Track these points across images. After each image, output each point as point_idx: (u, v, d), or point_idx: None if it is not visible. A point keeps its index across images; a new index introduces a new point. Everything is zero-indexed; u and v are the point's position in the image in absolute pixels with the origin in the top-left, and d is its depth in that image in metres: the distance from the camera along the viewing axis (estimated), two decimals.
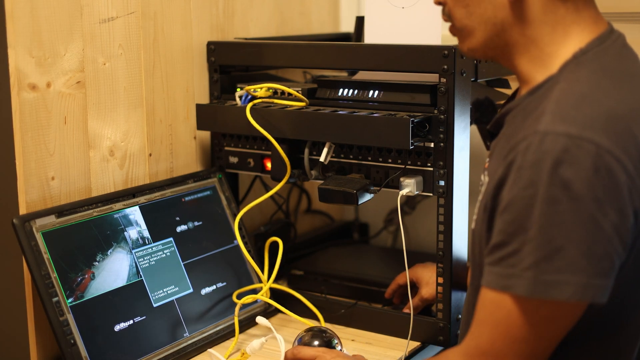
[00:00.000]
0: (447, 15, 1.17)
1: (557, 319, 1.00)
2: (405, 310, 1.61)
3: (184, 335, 1.52)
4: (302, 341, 1.42)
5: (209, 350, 1.48)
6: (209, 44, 1.76)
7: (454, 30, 1.17)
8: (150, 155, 1.66)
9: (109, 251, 1.46)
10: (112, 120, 1.56)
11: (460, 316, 1.54)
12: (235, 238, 1.67)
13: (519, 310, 1.00)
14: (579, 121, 0.99)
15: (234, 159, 1.74)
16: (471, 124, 1.50)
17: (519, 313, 1.00)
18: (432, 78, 1.51)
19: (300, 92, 1.62)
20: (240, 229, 1.68)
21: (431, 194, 1.51)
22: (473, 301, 1.23)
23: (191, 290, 1.55)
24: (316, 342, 1.41)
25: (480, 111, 1.24)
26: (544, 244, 0.97)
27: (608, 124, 0.99)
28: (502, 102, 1.61)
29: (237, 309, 1.57)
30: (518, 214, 1.00)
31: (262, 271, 1.65)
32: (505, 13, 1.10)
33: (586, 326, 1.06)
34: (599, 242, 0.97)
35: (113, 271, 1.45)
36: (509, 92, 1.67)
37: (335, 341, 1.42)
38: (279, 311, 1.63)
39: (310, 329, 1.45)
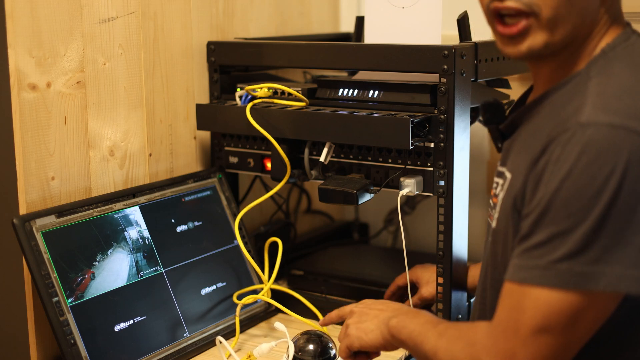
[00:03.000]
0: (528, 5, 1.04)
1: (590, 311, 0.98)
2: None
3: (184, 335, 1.52)
4: (297, 344, 1.40)
5: (218, 337, 1.48)
6: (209, 44, 1.76)
7: (529, 24, 1.05)
8: (150, 155, 1.66)
9: (109, 251, 1.46)
10: (112, 120, 1.56)
11: (460, 316, 1.54)
12: (235, 238, 1.67)
13: (547, 301, 0.98)
14: (622, 111, 0.98)
15: (234, 159, 1.74)
16: (476, 125, 1.50)
17: (547, 304, 0.98)
18: (432, 78, 1.51)
19: (300, 92, 1.62)
20: (240, 229, 1.68)
21: (431, 194, 1.51)
22: (483, 301, 1.22)
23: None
24: (311, 347, 1.40)
25: (490, 112, 1.22)
26: (581, 235, 0.96)
27: None
28: (505, 102, 1.62)
29: (238, 309, 1.57)
30: (551, 205, 0.98)
31: (262, 271, 1.65)
32: (597, 2, 1.06)
33: (622, 324, 1.04)
34: (637, 233, 0.96)
35: (113, 271, 1.45)
36: (509, 92, 1.67)
37: (331, 345, 1.41)
38: (279, 311, 1.64)
39: (306, 332, 1.43)
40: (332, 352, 1.40)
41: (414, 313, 1.23)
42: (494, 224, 1.17)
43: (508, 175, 1.13)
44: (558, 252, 0.97)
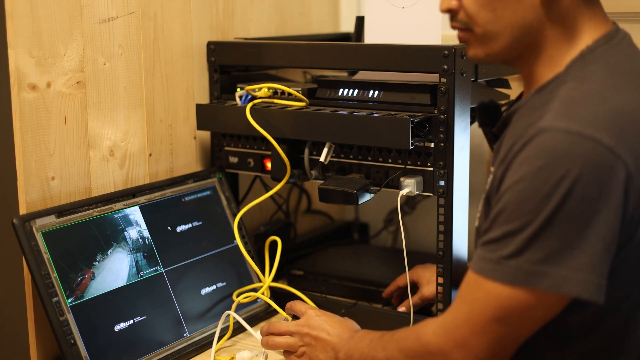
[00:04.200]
0: (463, 23, 1.12)
1: (534, 308, 1.01)
2: (401, 309, 1.61)
3: (184, 335, 1.52)
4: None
5: (249, 331, 1.50)
6: (209, 44, 1.76)
7: (468, 37, 1.13)
8: (150, 155, 1.66)
9: (109, 251, 1.46)
10: (112, 120, 1.56)
11: None
12: (235, 238, 1.67)
13: (497, 294, 1.02)
14: (582, 118, 0.99)
15: (234, 159, 1.74)
16: (476, 125, 1.50)
17: (496, 297, 1.02)
18: (432, 78, 1.51)
19: (300, 92, 1.62)
20: (240, 229, 1.68)
21: (431, 194, 1.51)
22: None
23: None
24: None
25: (485, 114, 1.24)
26: (528, 236, 0.99)
27: (612, 120, 1.00)
28: (505, 102, 1.62)
29: (234, 306, 1.56)
30: (507, 204, 1.01)
31: (262, 271, 1.65)
32: (534, 14, 1.08)
33: (586, 326, 1.06)
34: (584, 238, 0.98)
35: (113, 271, 1.45)
36: (509, 92, 1.67)
37: None
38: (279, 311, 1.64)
39: (294, 317, 1.47)
40: None
41: (358, 337, 1.29)
42: (476, 223, 1.20)
43: (490, 177, 1.15)
44: (508, 249, 1.01)
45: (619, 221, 0.99)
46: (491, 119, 1.23)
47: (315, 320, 1.39)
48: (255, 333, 1.49)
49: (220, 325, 1.52)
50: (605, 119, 0.99)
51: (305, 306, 1.44)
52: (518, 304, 1.01)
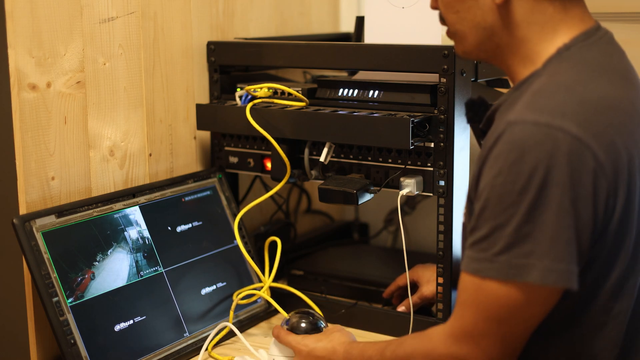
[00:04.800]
0: (442, 20, 1.20)
1: (531, 302, 1.02)
2: (400, 309, 1.61)
3: (184, 335, 1.52)
4: (289, 323, 1.45)
5: (245, 344, 1.49)
6: (209, 44, 1.76)
7: (449, 34, 1.20)
8: (150, 155, 1.66)
9: (109, 251, 1.46)
10: (112, 120, 1.56)
11: None
12: (235, 238, 1.67)
13: (496, 293, 1.02)
14: (550, 109, 1.01)
15: (234, 159, 1.74)
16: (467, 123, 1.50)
17: (496, 295, 1.02)
18: (432, 78, 1.51)
19: (300, 92, 1.62)
20: (240, 229, 1.68)
21: (431, 194, 1.51)
22: None
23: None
24: (303, 325, 1.44)
25: (473, 111, 1.26)
26: (513, 230, 1.00)
27: (580, 111, 1.01)
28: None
29: (233, 305, 1.56)
30: (489, 201, 1.02)
31: (262, 271, 1.65)
32: (494, 17, 1.12)
33: (568, 317, 1.08)
34: (564, 228, 0.99)
35: (113, 271, 1.45)
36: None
37: (322, 324, 1.45)
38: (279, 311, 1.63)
39: (298, 311, 1.47)
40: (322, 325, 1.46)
41: (360, 348, 1.27)
42: (463, 218, 1.21)
43: None
44: (498, 245, 1.02)
45: (592, 210, 1.01)
46: (479, 116, 1.25)
47: (314, 346, 1.38)
48: (250, 346, 1.49)
49: (214, 332, 1.52)
50: (572, 109, 1.01)
51: (290, 339, 1.42)
52: (516, 299, 1.01)
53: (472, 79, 1.51)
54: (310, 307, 1.61)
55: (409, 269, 1.55)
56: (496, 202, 1.02)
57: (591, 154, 1.00)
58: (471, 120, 1.28)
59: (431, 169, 1.50)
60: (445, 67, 1.45)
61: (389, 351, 1.19)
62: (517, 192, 1.00)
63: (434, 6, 1.20)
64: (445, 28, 1.22)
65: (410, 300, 1.54)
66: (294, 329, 1.44)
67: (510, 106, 1.09)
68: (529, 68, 1.12)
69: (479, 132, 1.25)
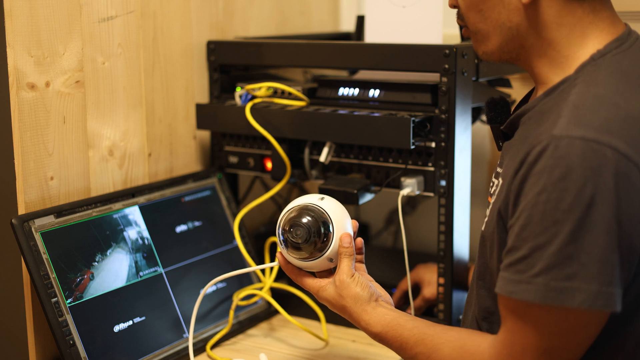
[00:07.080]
0: (461, 19, 1.16)
1: (578, 327, 0.98)
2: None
3: (184, 335, 1.51)
4: (290, 217, 1.25)
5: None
6: (209, 43, 1.75)
7: (468, 33, 1.16)
8: (149, 155, 1.65)
9: (109, 251, 1.45)
10: (112, 119, 1.56)
11: (461, 317, 1.53)
12: (235, 238, 1.66)
13: (537, 318, 0.99)
14: (596, 125, 0.97)
15: (234, 159, 1.73)
16: (477, 125, 1.50)
17: (543, 321, 0.98)
18: (433, 77, 1.51)
19: (300, 91, 1.61)
20: (240, 229, 1.67)
21: (432, 194, 1.50)
22: (473, 300, 1.22)
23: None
24: (305, 220, 1.24)
25: (494, 111, 1.22)
26: (556, 250, 0.96)
27: (625, 127, 0.98)
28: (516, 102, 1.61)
29: (233, 306, 1.56)
30: (530, 219, 0.98)
31: (263, 272, 1.65)
32: (520, 17, 1.08)
33: (607, 337, 1.04)
34: (611, 249, 0.95)
35: (112, 271, 1.44)
36: (510, 91, 1.66)
37: (330, 226, 1.26)
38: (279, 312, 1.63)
39: (299, 207, 1.27)
40: (331, 228, 1.26)
41: (399, 321, 1.19)
42: (482, 227, 1.17)
43: (500, 181, 1.13)
44: (537, 267, 0.97)
45: (637, 231, 0.97)
46: (500, 116, 1.21)
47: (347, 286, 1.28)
48: None
49: (210, 331, 1.51)
50: (618, 125, 0.97)
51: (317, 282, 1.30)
52: (556, 323, 0.98)
53: (473, 79, 1.50)
54: (314, 300, 1.59)
55: (410, 269, 1.55)
56: (538, 220, 0.97)
57: (638, 173, 0.96)
58: (492, 120, 1.23)
59: (432, 168, 1.49)
60: (446, 66, 1.44)
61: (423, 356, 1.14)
62: (562, 210, 0.95)
63: (453, 4, 1.16)
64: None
65: (412, 304, 1.54)
66: (293, 226, 1.23)
67: (541, 114, 1.06)
68: (558, 73, 1.09)
69: (500, 133, 1.21)
